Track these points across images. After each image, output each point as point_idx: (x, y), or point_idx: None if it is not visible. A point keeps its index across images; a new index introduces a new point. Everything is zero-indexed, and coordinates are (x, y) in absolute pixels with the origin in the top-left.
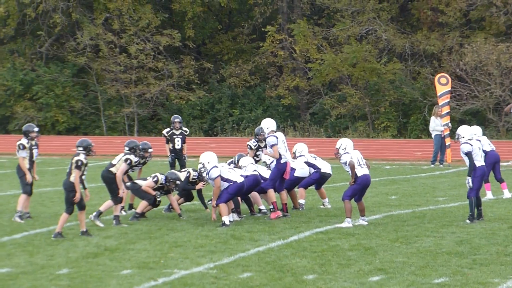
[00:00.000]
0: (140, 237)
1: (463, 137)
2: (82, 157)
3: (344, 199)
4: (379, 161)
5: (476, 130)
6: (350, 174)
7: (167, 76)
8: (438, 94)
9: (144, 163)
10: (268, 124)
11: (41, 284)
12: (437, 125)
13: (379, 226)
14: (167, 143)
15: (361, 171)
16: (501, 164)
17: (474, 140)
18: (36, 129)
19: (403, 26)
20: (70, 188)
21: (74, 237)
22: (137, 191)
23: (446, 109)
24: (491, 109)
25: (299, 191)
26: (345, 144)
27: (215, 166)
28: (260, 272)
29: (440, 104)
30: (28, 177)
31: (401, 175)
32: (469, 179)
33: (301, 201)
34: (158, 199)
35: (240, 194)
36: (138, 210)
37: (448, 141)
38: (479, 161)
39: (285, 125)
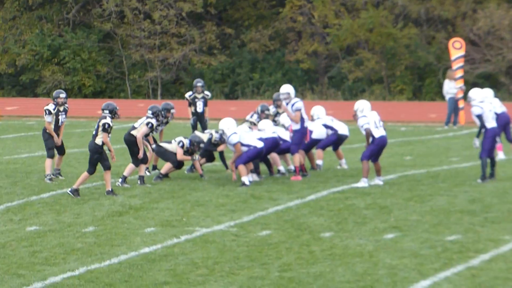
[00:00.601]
0: (164, 196)
1: (474, 100)
2: (108, 120)
3: (363, 159)
4: (394, 122)
5: (488, 93)
6: (365, 137)
7: (189, 41)
8: (452, 58)
9: (167, 123)
10: (289, 89)
11: (68, 241)
12: (451, 88)
13: (394, 186)
14: (189, 106)
15: (378, 132)
16: None
17: (485, 102)
18: (63, 94)
19: None
20: (94, 150)
21: (100, 196)
22: (162, 154)
23: (459, 73)
24: (504, 72)
25: (316, 152)
26: (362, 106)
27: (235, 132)
28: (278, 230)
29: (454, 68)
30: (56, 140)
31: (415, 136)
32: (476, 140)
33: (319, 161)
34: (195, 157)
35: (259, 157)
36: (162, 171)
37: (461, 104)
38: (490, 123)
39: (304, 88)
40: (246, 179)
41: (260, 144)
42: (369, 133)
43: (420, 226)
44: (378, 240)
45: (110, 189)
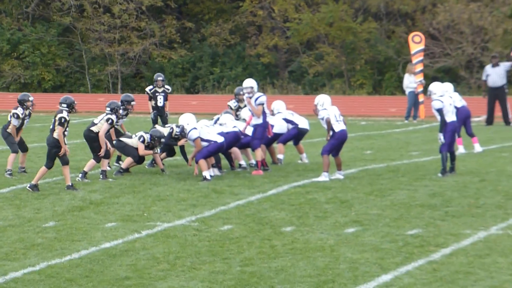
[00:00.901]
0: (124, 191)
1: (435, 94)
2: (65, 114)
3: (323, 154)
4: (354, 117)
5: (448, 87)
6: (326, 129)
7: (149, 35)
8: (412, 52)
9: (127, 115)
10: (252, 83)
11: (28, 237)
12: (411, 82)
13: (354, 180)
14: (150, 100)
15: (338, 126)
16: (472, 119)
17: (445, 96)
18: (31, 98)
19: None
20: (53, 144)
21: (60, 191)
22: (123, 149)
23: (419, 67)
24: (463, 66)
25: (278, 146)
26: (322, 100)
27: (194, 128)
28: (240, 225)
29: (413, 62)
30: (15, 138)
31: (376, 130)
32: (441, 135)
33: (280, 156)
34: (156, 150)
35: (220, 152)
36: (123, 166)
37: (421, 98)
38: (450, 117)
39: (264, 83)
40: (207, 173)
41: (220, 139)
42: (329, 124)
43: (380, 220)
44: (339, 234)
45: (70, 184)
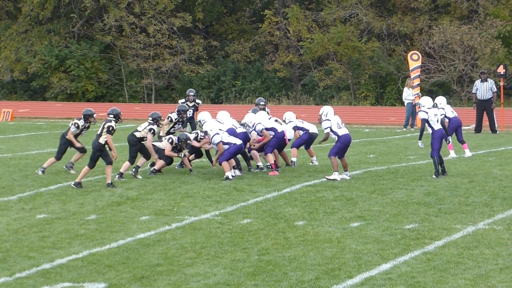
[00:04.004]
0: (157, 189)
1: (423, 106)
2: (113, 123)
3: (330, 155)
4: (359, 125)
5: (441, 100)
6: (324, 138)
7: (180, 52)
8: (410, 68)
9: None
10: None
11: (73, 228)
12: (409, 94)
13: (359, 180)
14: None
15: (341, 131)
16: (462, 128)
17: (432, 109)
18: (95, 115)
19: (381, 10)
20: (97, 148)
21: (101, 188)
22: (158, 152)
23: (417, 81)
24: (455, 81)
25: (291, 150)
26: (326, 111)
27: (217, 133)
28: (258, 219)
29: (412, 77)
30: (75, 144)
31: (378, 137)
32: (420, 142)
33: (294, 159)
34: (182, 154)
35: (239, 153)
36: (156, 167)
37: (418, 108)
38: (436, 125)
39: (280, 94)
40: (229, 174)
41: (239, 142)
42: (327, 137)
43: (381, 216)
44: (345, 228)
45: (110, 182)
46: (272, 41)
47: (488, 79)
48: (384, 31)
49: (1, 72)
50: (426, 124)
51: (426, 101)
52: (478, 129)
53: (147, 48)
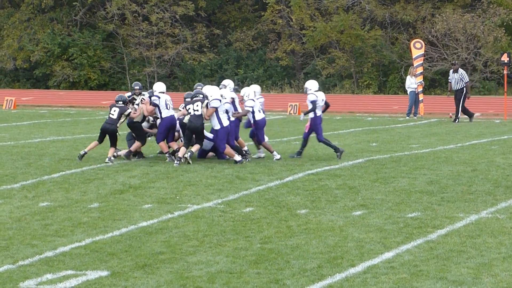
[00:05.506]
0: (159, 177)
1: (310, 89)
2: (129, 110)
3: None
4: (362, 113)
5: None
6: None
7: (182, 40)
8: (413, 57)
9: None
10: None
11: (76, 216)
12: (412, 83)
13: (361, 169)
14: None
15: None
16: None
17: (319, 92)
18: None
19: None
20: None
21: (103, 177)
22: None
23: (420, 70)
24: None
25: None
26: (311, 86)
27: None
28: (260, 207)
29: (415, 65)
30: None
31: (380, 125)
32: (302, 116)
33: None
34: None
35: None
36: (132, 148)
37: (421, 97)
38: (319, 111)
39: (283, 83)
40: (237, 157)
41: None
42: (314, 105)
43: (384, 205)
44: (347, 216)
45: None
46: (274, 30)
47: (458, 69)
48: (387, 19)
49: (4, 61)
50: (310, 104)
51: (311, 84)
52: (457, 117)
53: (149, 37)
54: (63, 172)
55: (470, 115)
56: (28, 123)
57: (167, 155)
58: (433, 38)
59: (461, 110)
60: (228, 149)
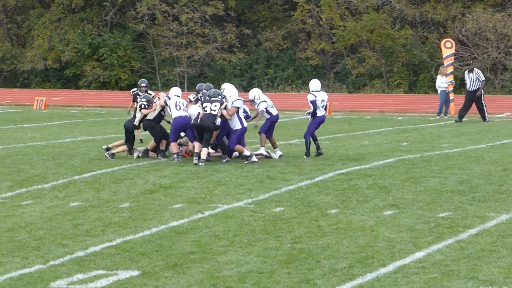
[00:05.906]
0: (190, 177)
1: (311, 89)
2: (142, 102)
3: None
4: (392, 113)
5: None
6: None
7: (212, 40)
8: (443, 56)
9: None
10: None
11: (106, 216)
12: (442, 82)
13: (392, 169)
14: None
15: (320, 111)
16: (498, 115)
17: (320, 92)
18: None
19: None
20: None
21: (134, 177)
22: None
23: (450, 69)
24: (489, 68)
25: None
26: (313, 85)
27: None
28: (290, 207)
29: (445, 65)
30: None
31: (411, 125)
32: (308, 114)
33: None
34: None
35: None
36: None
37: (451, 96)
38: (321, 111)
39: None
40: (247, 152)
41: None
42: (314, 105)
43: (415, 204)
44: (378, 216)
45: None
46: (304, 29)
47: (474, 69)
48: (417, 19)
49: (34, 61)
50: (311, 104)
51: (314, 84)
52: (460, 117)
53: (179, 37)
54: (94, 172)
55: (484, 117)
56: (59, 123)
57: (175, 155)
58: (463, 38)
59: (478, 109)
60: (238, 146)
